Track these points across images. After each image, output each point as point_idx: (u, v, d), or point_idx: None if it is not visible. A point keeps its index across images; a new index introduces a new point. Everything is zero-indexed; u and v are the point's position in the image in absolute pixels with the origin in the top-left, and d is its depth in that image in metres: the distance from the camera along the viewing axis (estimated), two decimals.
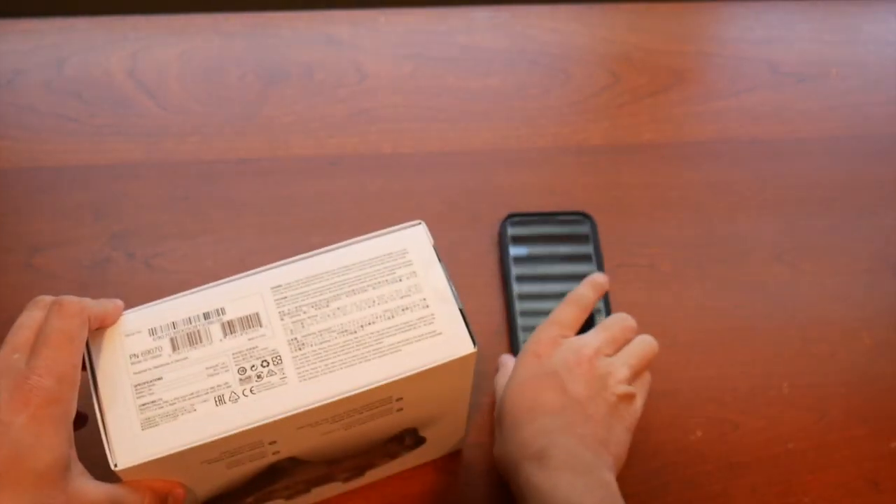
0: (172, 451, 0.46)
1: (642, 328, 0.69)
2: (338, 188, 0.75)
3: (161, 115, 0.78)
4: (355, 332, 0.49)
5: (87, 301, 0.48)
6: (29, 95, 0.78)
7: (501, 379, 0.63)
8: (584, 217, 0.73)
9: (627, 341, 0.61)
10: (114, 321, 0.49)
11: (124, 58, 0.80)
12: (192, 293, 0.50)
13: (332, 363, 0.48)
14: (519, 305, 0.68)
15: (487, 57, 0.82)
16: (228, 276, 0.50)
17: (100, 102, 0.78)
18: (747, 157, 0.78)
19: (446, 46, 0.83)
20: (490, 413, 0.66)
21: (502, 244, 0.71)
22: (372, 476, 0.61)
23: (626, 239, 0.73)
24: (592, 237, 0.72)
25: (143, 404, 0.47)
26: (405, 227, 0.52)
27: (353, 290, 0.50)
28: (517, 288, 0.69)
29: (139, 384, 0.47)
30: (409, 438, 0.57)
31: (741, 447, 0.65)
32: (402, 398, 0.50)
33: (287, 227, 0.73)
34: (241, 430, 0.46)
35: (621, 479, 0.56)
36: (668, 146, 0.78)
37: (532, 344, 0.59)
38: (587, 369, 0.57)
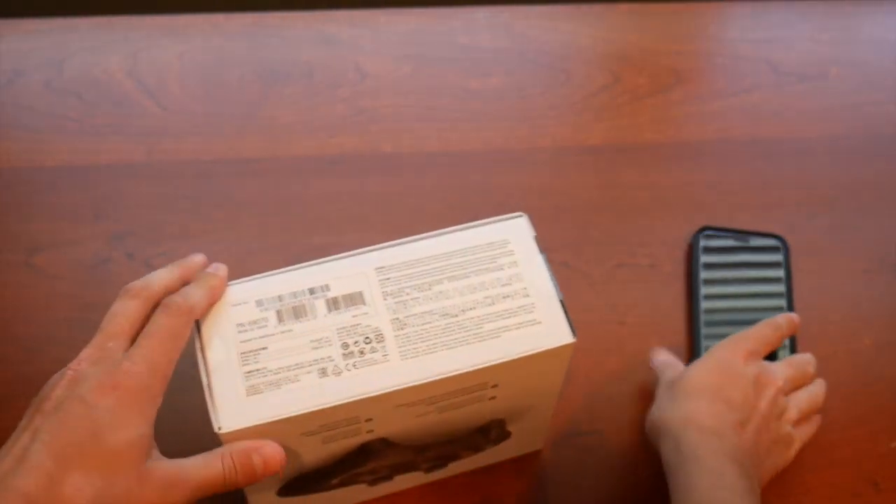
0: (277, 419, 0.47)
1: (644, 327, 0.69)
2: (338, 188, 0.75)
3: (161, 115, 0.78)
4: (456, 315, 0.50)
5: (196, 297, 0.48)
6: (29, 95, 0.78)
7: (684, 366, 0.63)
8: (779, 240, 0.72)
9: (803, 386, 0.63)
10: (218, 299, 0.50)
11: (124, 58, 0.80)
12: (297, 269, 0.51)
13: (433, 344, 0.49)
14: (704, 317, 0.69)
15: (487, 57, 0.82)
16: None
17: (100, 102, 0.78)
18: (747, 157, 0.78)
19: (446, 46, 0.83)
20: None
21: (693, 255, 0.71)
22: (453, 469, 0.61)
23: (626, 239, 0.73)
24: (784, 262, 0.71)
25: (249, 372, 0.48)
26: (507, 218, 0.53)
27: (455, 276, 0.51)
28: (704, 304, 0.69)
29: (245, 352, 0.48)
30: (495, 431, 0.57)
31: None
32: (497, 385, 0.51)
33: (287, 227, 0.73)
34: (343, 402, 0.47)
35: None
36: (668, 146, 0.78)
37: (740, 342, 0.61)
38: (773, 395, 0.59)
